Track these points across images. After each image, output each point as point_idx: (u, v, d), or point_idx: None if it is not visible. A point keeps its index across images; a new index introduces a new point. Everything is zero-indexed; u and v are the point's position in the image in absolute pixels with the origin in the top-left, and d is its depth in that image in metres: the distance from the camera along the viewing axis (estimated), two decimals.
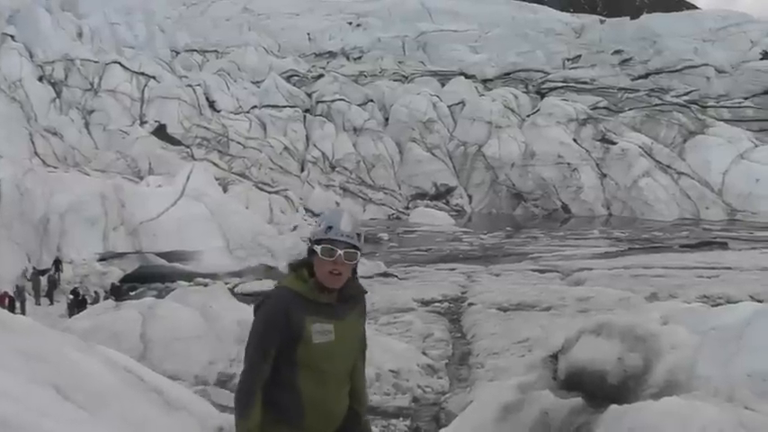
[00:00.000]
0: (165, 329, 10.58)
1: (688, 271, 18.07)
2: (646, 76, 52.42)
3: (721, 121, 45.46)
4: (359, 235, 3.15)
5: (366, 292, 3.48)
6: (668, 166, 40.96)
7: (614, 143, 41.95)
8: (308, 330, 3.15)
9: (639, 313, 9.43)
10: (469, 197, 42.54)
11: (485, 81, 53.13)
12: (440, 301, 13.99)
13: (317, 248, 3.12)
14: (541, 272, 18.00)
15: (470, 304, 13.31)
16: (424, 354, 9.71)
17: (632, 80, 52.02)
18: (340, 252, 3.11)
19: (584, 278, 16.60)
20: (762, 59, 52.37)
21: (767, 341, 5.97)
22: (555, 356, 5.94)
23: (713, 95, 49.16)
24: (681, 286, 15.53)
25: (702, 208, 39.13)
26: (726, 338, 6.21)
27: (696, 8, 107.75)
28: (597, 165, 41.62)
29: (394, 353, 9.08)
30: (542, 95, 49.63)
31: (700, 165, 41.06)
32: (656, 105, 46.75)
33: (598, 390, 5.17)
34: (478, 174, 43.09)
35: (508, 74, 53.75)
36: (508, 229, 31.55)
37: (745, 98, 48.62)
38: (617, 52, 55.82)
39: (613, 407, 4.45)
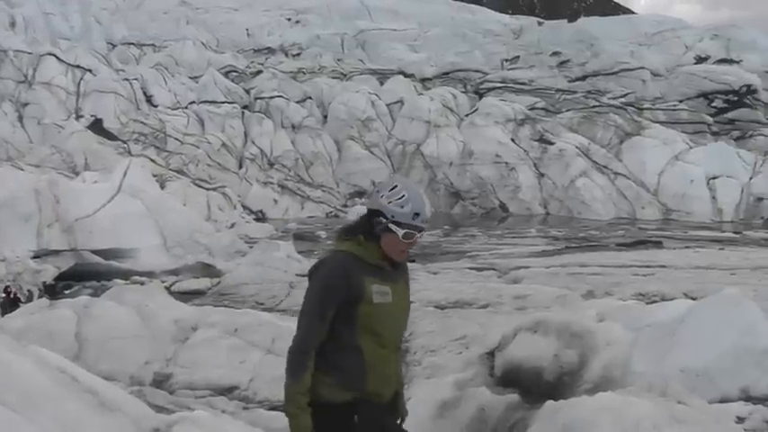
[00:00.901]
0: (101, 329, 10.36)
1: (624, 269, 18.40)
2: (583, 78, 53.34)
3: (657, 123, 46.54)
4: None
5: (414, 260, 3.61)
6: (605, 167, 41.75)
7: (552, 143, 42.57)
8: (369, 291, 3.22)
9: (576, 311, 9.59)
10: None
11: (423, 80, 53.38)
12: None
13: (399, 231, 3.24)
14: (479, 270, 18.08)
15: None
16: None
17: (570, 82, 52.86)
18: (419, 235, 3.25)
19: (521, 276, 16.75)
20: (696, 64, 53.81)
21: (700, 337, 6.15)
22: (492, 354, 6.01)
23: (649, 98, 50.30)
24: (617, 284, 15.80)
25: (638, 208, 40.01)
26: (660, 335, 6.37)
27: (633, 13, 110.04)
28: (535, 164, 42.18)
29: None
30: (481, 95, 50.06)
31: (636, 165, 41.96)
32: (594, 107, 47.58)
33: (534, 386, 5.25)
34: (417, 172, 43.25)
35: (447, 73, 54.08)
36: (446, 227, 31.72)
37: (680, 101, 49.88)
38: (555, 54, 56.67)
39: (549, 403, 4.51)
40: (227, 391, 8.21)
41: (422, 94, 49.03)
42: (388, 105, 48.02)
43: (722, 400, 5.68)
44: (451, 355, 9.73)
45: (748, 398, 5.86)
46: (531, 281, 15.96)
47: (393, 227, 3.21)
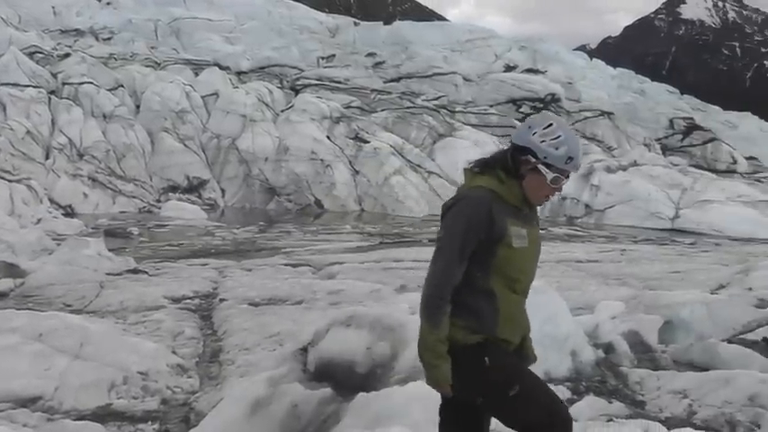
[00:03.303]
0: None
1: None
2: (398, 79, 54.61)
3: (468, 125, 48.49)
4: None
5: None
6: (418, 166, 42.93)
7: (367, 142, 43.26)
8: (509, 233, 3.02)
9: (389, 304, 9.74)
10: (222, 191, 41.83)
11: (239, 73, 52.56)
12: (191, 298, 13.51)
13: (548, 174, 3.02)
14: (294, 266, 18.01)
15: (222, 300, 13.01)
16: (174, 353, 9.32)
17: (385, 82, 53.97)
18: (566, 181, 3.08)
19: (335, 272, 16.85)
20: (505, 71, 56.71)
21: None
22: (305, 349, 5.97)
23: (461, 102, 52.28)
24: None
25: None
26: None
27: (446, 20, 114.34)
28: (350, 162, 42.68)
29: (142, 353, 8.64)
30: (297, 92, 50.01)
31: (448, 165, 43.43)
32: (408, 108, 48.79)
33: (347, 379, 5.26)
34: (232, 167, 42.50)
35: (263, 68, 53.59)
36: (261, 223, 31.38)
37: (491, 106, 52.29)
38: (370, 55, 57.69)
39: (361, 395, 4.53)
40: (30, 402, 7.60)
41: (237, 87, 48.22)
42: (203, 97, 46.78)
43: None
44: (265, 352, 9.61)
45: (550, 380, 6.24)
46: (345, 276, 16.09)
47: (542, 168, 3.01)
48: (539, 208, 3.32)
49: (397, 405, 4.27)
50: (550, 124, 3.06)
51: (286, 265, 18.41)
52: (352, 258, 19.73)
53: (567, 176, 3.10)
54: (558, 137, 3.02)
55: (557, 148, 3.00)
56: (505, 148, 3.23)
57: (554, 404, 3.09)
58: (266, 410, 5.19)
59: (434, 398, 4.15)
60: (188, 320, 11.58)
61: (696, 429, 4.91)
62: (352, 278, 15.52)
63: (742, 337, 9.14)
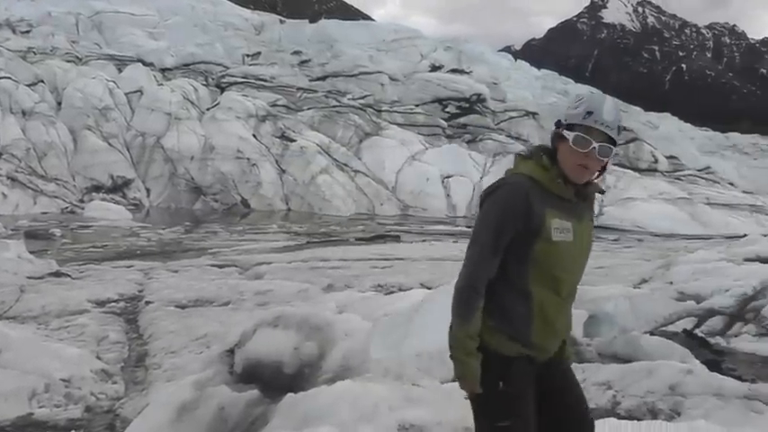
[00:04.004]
0: None
1: (363, 262, 19.00)
2: (324, 78, 54.49)
3: (395, 124, 48.74)
4: (620, 127, 2.79)
5: (603, 192, 3.02)
6: (345, 165, 42.93)
7: (293, 140, 43.05)
8: (549, 225, 2.78)
9: (316, 304, 9.72)
10: (147, 190, 41.00)
11: (164, 70, 51.57)
12: (116, 301, 13.22)
13: (569, 135, 2.76)
14: (221, 267, 17.81)
15: (148, 302, 12.77)
16: (99, 358, 9.10)
17: (311, 81, 53.79)
18: (595, 145, 2.73)
19: (263, 272, 16.73)
20: (431, 71, 57.16)
21: (434, 323, 6.48)
22: (232, 351, 5.90)
23: (387, 101, 52.49)
24: (356, 277, 16.27)
25: (377, 204, 41.56)
26: (398, 323, 6.66)
27: (372, 20, 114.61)
28: (277, 161, 42.39)
29: (65, 359, 8.39)
30: (222, 89, 49.40)
31: (375, 164, 43.58)
32: (334, 107, 48.76)
33: (275, 380, 5.22)
34: (157, 166, 41.68)
35: (187, 65, 52.72)
36: (187, 223, 30.89)
37: (417, 105, 52.66)
38: (296, 53, 57.40)
39: (289, 395, 4.51)
40: None
41: (162, 84, 47.31)
42: (126, 94, 45.70)
43: (455, 379, 6.05)
44: (192, 355, 9.47)
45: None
46: (272, 276, 15.99)
47: (565, 132, 2.78)
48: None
49: (325, 405, 4.26)
50: (583, 98, 2.90)
51: (212, 265, 18.18)
52: (280, 258, 19.62)
53: (599, 140, 2.78)
54: (581, 98, 2.87)
55: (575, 107, 2.82)
56: None
57: None
58: (193, 414, 5.12)
59: (363, 396, 4.15)
60: (113, 324, 11.31)
61: (620, 419, 5.05)
62: (279, 278, 15.43)
63: (663, 329, 9.46)
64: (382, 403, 4.23)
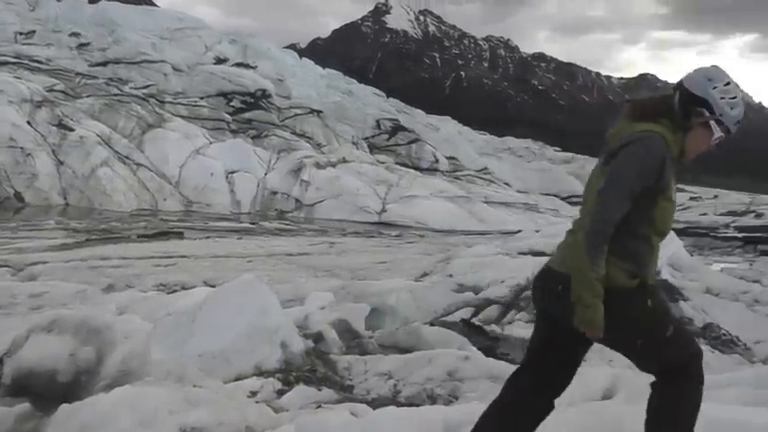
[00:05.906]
0: None
1: (145, 260, 18.42)
2: (105, 63, 51.93)
3: (179, 117, 47.45)
4: None
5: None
6: (127, 157, 41.24)
7: (72, 130, 40.66)
8: (672, 185, 2.96)
9: (96, 305, 9.32)
10: None
11: None
12: None
13: (716, 131, 2.93)
14: None
15: None
16: None
17: (90, 66, 51.04)
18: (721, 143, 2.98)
19: (38, 272, 15.72)
20: (215, 64, 56.15)
21: (218, 322, 6.48)
22: (1, 361, 5.49)
23: (171, 92, 51.00)
24: (138, 276, 15.76)
25: (160, 199, 40.30)
26: (180, 323, 6.55)
27: (155, 5, 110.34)
28: (54, 151, 39.84)
29: None
30: None
31: (158, 157, 42.23)
32: (115, 95, 46.70)
33: (48, 391, 4.95)
34: None
35: None
36: None
37: (201, 98, 51.58)
38: (74, 34, 54.13)
39: (64, 406, 4.30)
40: None
41: None
42: None
43: (237, 378, 6.09)
44: None
45: (261, 372, 6.37)
46: (48, 277, 15.07)
47: (714, 126, 2.91)
48: None
49: (103, 413, 4.12)
50: (729, 82, 2.98)
51: None
52: (57, 257, 18.50)
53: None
54: (735, 97, 2.96)
55: (732, 108, 2.95)
56: (662, 94, 3.11)
57: (692, 342, 3.21)
58: None
59: (142, 401, 4.07)
60: None
61: (399, 406, 5.29)
62: (55, 279, 14.56)
63: (443, 319, 10.03)
64: (162, 407, 4.16)
